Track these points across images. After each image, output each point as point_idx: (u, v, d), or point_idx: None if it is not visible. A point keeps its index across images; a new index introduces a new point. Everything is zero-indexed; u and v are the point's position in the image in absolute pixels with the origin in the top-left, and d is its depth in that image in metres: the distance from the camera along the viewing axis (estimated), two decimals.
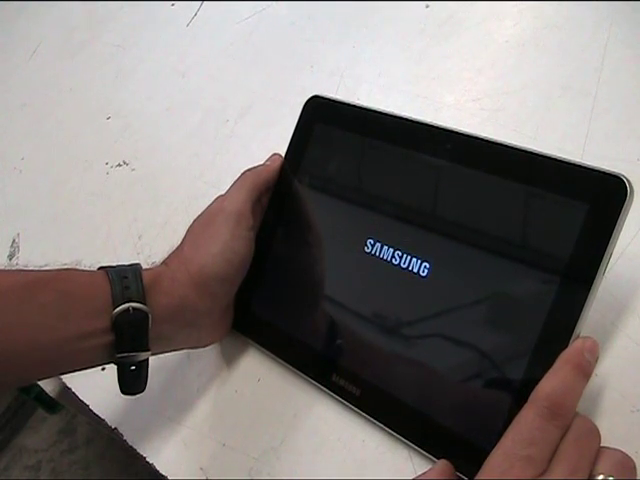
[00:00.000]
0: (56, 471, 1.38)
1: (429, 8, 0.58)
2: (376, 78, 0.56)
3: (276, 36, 0.67)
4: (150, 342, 0.39)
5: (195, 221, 0.44)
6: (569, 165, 0.33)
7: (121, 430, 0.48)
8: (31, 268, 0.39)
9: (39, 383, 0.63)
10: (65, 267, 0.39)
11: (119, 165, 0.66)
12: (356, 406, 0.40)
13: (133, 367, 0.39)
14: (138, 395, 0.42)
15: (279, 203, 0.46)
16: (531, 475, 0.29)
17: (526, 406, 0.30)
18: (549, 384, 0.30)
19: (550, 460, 0.29)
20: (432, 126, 0.40)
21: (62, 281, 0.38)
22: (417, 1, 0.59)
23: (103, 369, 0.47)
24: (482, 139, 0.37)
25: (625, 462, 0.29)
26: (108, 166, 0.67)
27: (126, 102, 0.72)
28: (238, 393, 0.45)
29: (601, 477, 0.29)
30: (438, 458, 0.35)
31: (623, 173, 0.32)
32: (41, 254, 0.63)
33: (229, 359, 0.47)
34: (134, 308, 0.38)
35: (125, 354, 0.38)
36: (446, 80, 0.52)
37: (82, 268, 0.41)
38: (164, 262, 0.43)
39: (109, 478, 1.33)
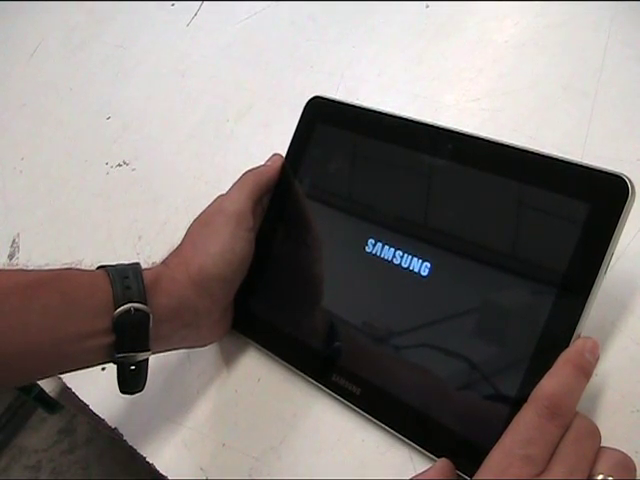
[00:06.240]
0: (56, 471, 1.38)
1: (429, 8, 0.58)
2: (376, 78, 0.56)
3: (276, 36, 0.67)
4: (150, 342, 0.39)
5: (195, 221, 0.44)
6: (570, 165, 0.33)
7: (121, 430, 0.48)
8: (31, 268, 0.39)
9: (39, 383, 0.63)
10: (65, 267, 0.39)
11: (119, 165, 0.66)
12: (356, 405, 0.40)
13: (133, 367, 0.39)
14: (137, 394, 0.42)
15: (279, 204, 0.46)
16: (530, 474, 0.29)
17: (526, 405, 0.30)
18: (549, 384, 0.30)
19: (549, 460, 0.29)
20: (432, 126, 0.40)
21: (63, 281, 0.38)
22: (417, 1, 0.59)
23: (103, 369, 0.47)
24: (483, 139, 0.37)
25: (625, 462, 0.29)
26: (108, 166, 0.67)
27: (126, 102, 0.72)
28: (238, 393, 0.45)
29: (600, 477, 0.29)
30: (438, 457, 0.35)
31: (624, 173, 0.32)
32: (41, 254, 0.63)
33: (229, 359, 0.47)
34: (135, 308, 0.38)
35: (125, 354, 0.38)
36: (446, 80, 0.52)
37: (83, 268, 0.41)
38: (163, 262, 0.43)
39: (109, 478, 1.33)
